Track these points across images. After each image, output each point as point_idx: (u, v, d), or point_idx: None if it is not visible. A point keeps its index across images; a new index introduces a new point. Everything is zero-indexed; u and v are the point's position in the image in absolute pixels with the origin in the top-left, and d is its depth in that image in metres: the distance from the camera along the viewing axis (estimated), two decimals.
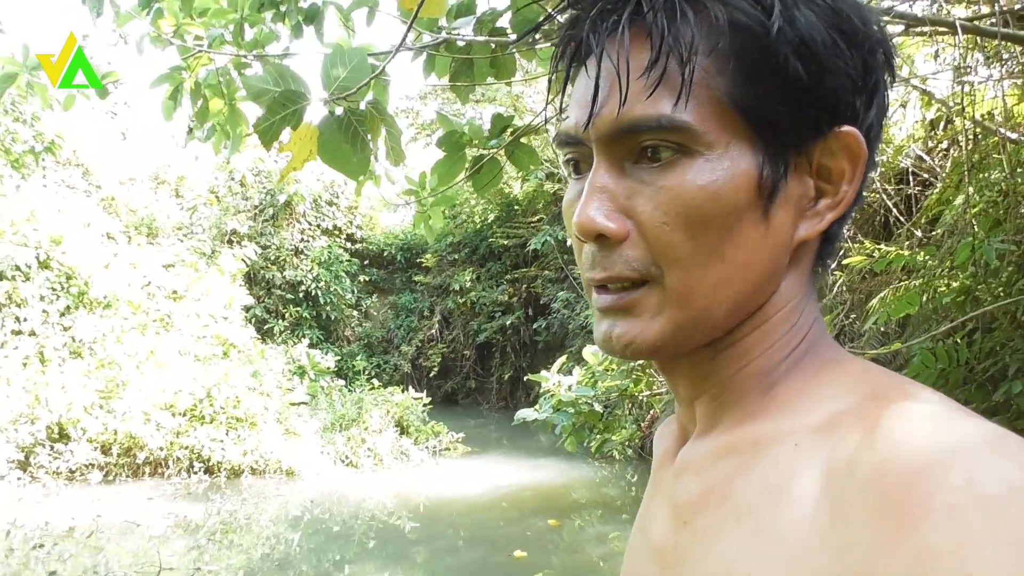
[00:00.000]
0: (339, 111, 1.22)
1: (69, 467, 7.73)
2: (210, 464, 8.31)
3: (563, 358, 5.59)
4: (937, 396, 0.44)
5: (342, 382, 11.67)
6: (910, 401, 0.41)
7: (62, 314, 8.50)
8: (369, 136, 1.23)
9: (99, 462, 7.90)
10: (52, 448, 7.73)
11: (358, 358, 14.38)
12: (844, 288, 4.18)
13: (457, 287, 15.28)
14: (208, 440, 8.28)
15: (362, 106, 1.24)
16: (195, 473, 8.25)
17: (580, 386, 5.74)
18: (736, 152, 0.47)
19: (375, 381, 12.23)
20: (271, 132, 1.19)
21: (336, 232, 15.32)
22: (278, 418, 9.02)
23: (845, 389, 0.47)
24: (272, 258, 14.13)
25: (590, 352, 5.75)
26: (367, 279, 15.90)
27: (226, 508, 7.34)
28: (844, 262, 3.50)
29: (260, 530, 6.81)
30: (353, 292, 15.18)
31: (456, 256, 15.79)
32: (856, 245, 3.60)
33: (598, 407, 5.67)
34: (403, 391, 11.12)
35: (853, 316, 4.08)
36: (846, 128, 0.49)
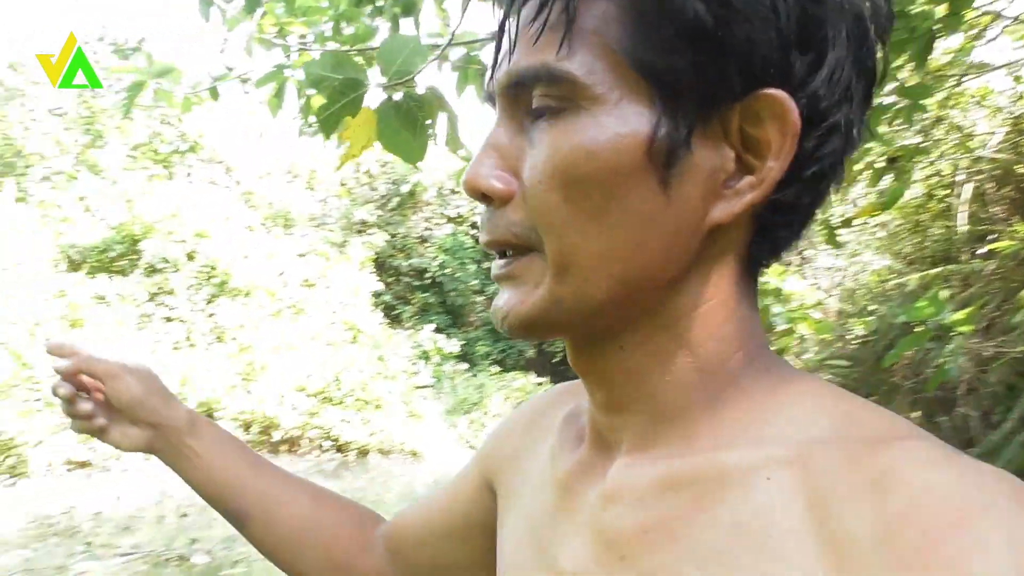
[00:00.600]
0: (397, 96, 1.18)
1: None
2: (340, 444, 8.68)
3: None
4: (921, 431, 0.39)
5: (466, 366, 11.88)
6: (907, 440, 0.37)
7: (207, 302, 9.10)
8: (428, 121, 1.19)
9: (241, 439, 8.43)
10: None
11: (482, 343, 14.61)
12: (993, 276, 3.77)
13: None
14: (338, 421, 8.65)
15: (421, 91, 1.20)
16: (326, 452, 8.65)
17: None
18: (627, 110, 0.41)
19: (498, 366, 12.37)
20: (331, 121, 1.18)
21: (460, 219, 15.58)
22: (403, 401, 9.30)
23: (810, 414, 0.41)
24: (399, 246, 14.56)
25: None
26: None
27: (356, 486, 7.65)
28: (991, 247, 3.15)
29: (388, 507, 7.05)
30: (478, 278, 15.41)
31: None
32: (1008, 229, 3.23)
33: None
34: (525, 376, 11.20)
35: (1006, 306, 3.67)
36: (770, 90, 0.40)
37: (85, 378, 0.77)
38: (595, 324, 0.45)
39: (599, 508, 0.47)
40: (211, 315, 8.99)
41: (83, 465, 7.13)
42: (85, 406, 0.76)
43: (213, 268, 9.13)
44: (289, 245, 10.51)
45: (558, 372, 15.08)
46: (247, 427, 8.45)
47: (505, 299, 0.46)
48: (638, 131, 0.41)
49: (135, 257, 8.92)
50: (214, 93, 3.18)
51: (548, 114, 0.43)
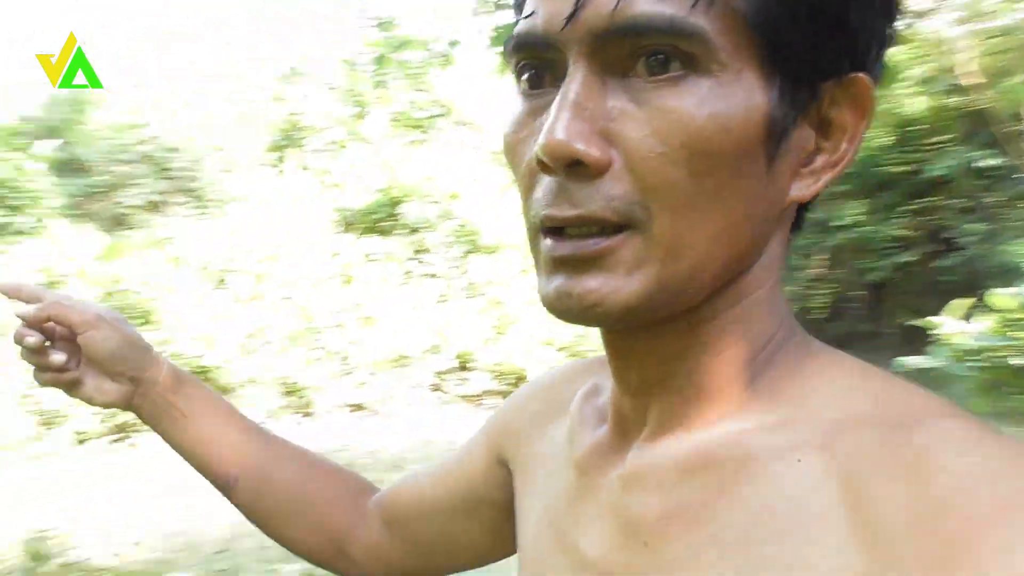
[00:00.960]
0: None
1: (472, 392, 8.86)
2: None
3: (962, 301, 4.79)
4: (955, 408, 0.38)
5: None
6: (943, 419, 0.36)
7: (461, 259, 9.69)
8: None
9: (494, 389, 8.92)
10: (457, 375, 8.92)
11: None
12: None
13: (845, 221, 13.95)
14: None
15: None
16: None
17: (987, 334, 4.86)
18: (748, 79, 0.39)
19: None
20: None
21: None
22: None
23: (841, 393, 0.40)
24: None
25: (1000, 296, 4.80)
26: None
27: None
28: None
29: None
30: None
31: (842, 187, 14.40)
32: None
33: (1018, 361, 4.75)
34: None
35: None
36: (862, 75, 0.41)
37: (51, 325, 0.69)
38: (688, 307, 0.42)
39: (620, 492, 0.45)
40: (464, 272, 9.55)
41: (358, 408, 7.97)
42: (58, 357, 0.69)
43: (465, 227, 9.68)
44: None
45: (823, 330, 14.09)
46: (499, 378, 8.92)
47: (594, 284, 0.40)
48: (760, 105, 0.39)
49: (397, 218, 9.71)
50: (450, 59, 3.29)
51: (666, 73, 0.38)
